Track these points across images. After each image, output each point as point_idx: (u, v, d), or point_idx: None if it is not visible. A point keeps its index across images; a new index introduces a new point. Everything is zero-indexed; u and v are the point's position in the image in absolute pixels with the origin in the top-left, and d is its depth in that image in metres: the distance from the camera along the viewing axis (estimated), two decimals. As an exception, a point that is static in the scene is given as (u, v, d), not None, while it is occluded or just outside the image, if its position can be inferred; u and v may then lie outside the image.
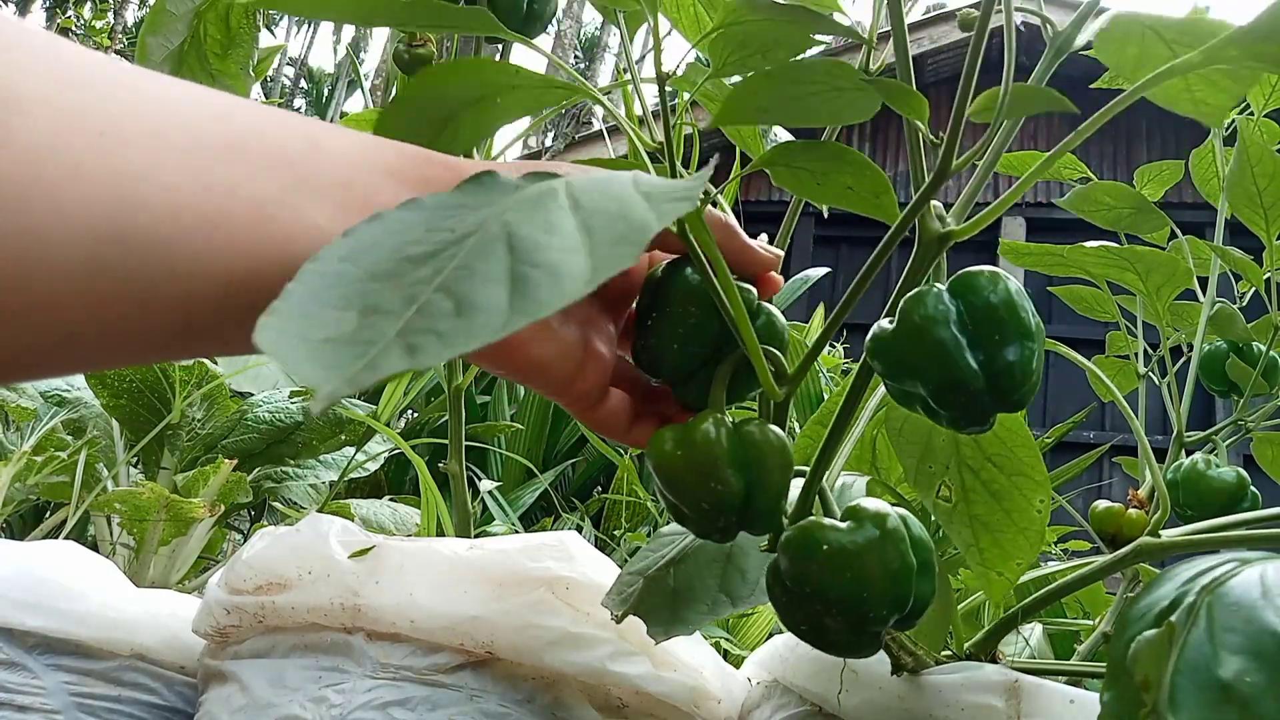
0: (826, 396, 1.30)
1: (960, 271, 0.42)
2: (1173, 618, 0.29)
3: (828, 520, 0.43)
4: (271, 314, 0.20)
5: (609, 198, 0.26)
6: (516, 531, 1.24)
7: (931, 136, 0.44)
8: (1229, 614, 0.27)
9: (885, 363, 0.42)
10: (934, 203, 0.45)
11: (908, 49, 0.48)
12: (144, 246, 0.29)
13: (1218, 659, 0.26)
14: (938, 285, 0.42)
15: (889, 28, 0.51)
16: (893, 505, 0.44)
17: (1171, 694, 0.26)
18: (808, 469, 0.46)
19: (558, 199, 0.26)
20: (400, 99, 0.45)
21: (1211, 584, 0.28)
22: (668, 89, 0.58)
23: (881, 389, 0.62)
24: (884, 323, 0.43)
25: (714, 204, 0.48)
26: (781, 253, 0.47)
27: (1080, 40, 0.52)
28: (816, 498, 0.46)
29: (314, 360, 0.18)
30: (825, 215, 0.77)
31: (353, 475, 1.31)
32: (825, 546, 0.41)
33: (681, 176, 0.53)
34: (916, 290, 0.42)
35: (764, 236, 0.49)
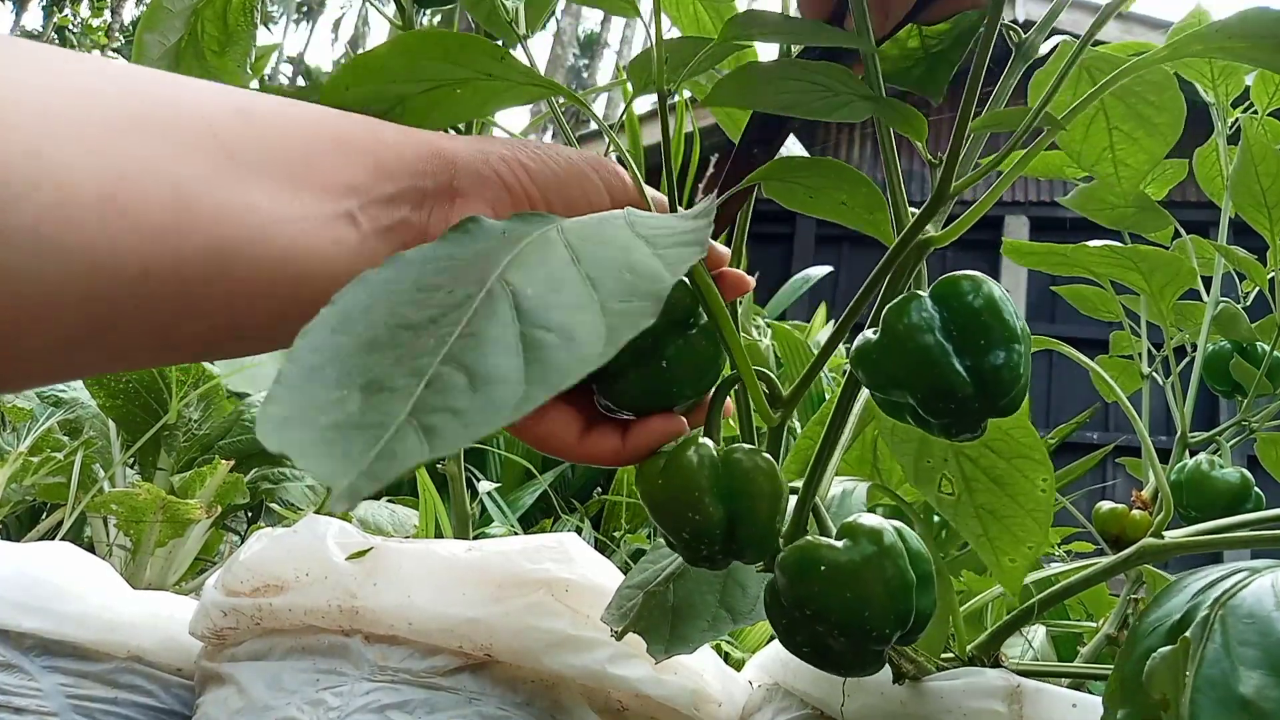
0: (827, 396, 1.29)
1: (941, 277, 0.41)
2: (1187, 633, 0.29)
3: (824, 540, 0.42)
4: (270, 402, 0.18)
5: (609, 245, 0.24)
6: (515, 533, 1.23)
7: (931, 157, 0.43)
8: (1244, 627, 0.26)
9: (871, 374, 0.41)
10: (911, 210, 0.44)
11: (878, 70, 0.47)
12: (29, 236, 0.25)
13: (1236, 675, 0.25)
14: (920, 293, 0.41)
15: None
16: (893, 511, 0.44)
17: (1192, 712, 0.26)
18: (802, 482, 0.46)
19: (557, 250, 0.24)
20: (340, 78, 0.42)
21: (1223, 596, 0.28)
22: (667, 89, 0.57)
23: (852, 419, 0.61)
24: (867, 333, 0.42)
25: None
26: (728, 250, 0.45)
27: (1044, 49, 0.51)
28: (811, 514, 0.46)
29: (325, 452, 0.17)
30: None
31: (351, 475, 1.30)
32: (823, 567, 0.41)
33: (680, 179, 0.52)
34: (898, 299, 0.41)
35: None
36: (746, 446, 0.42)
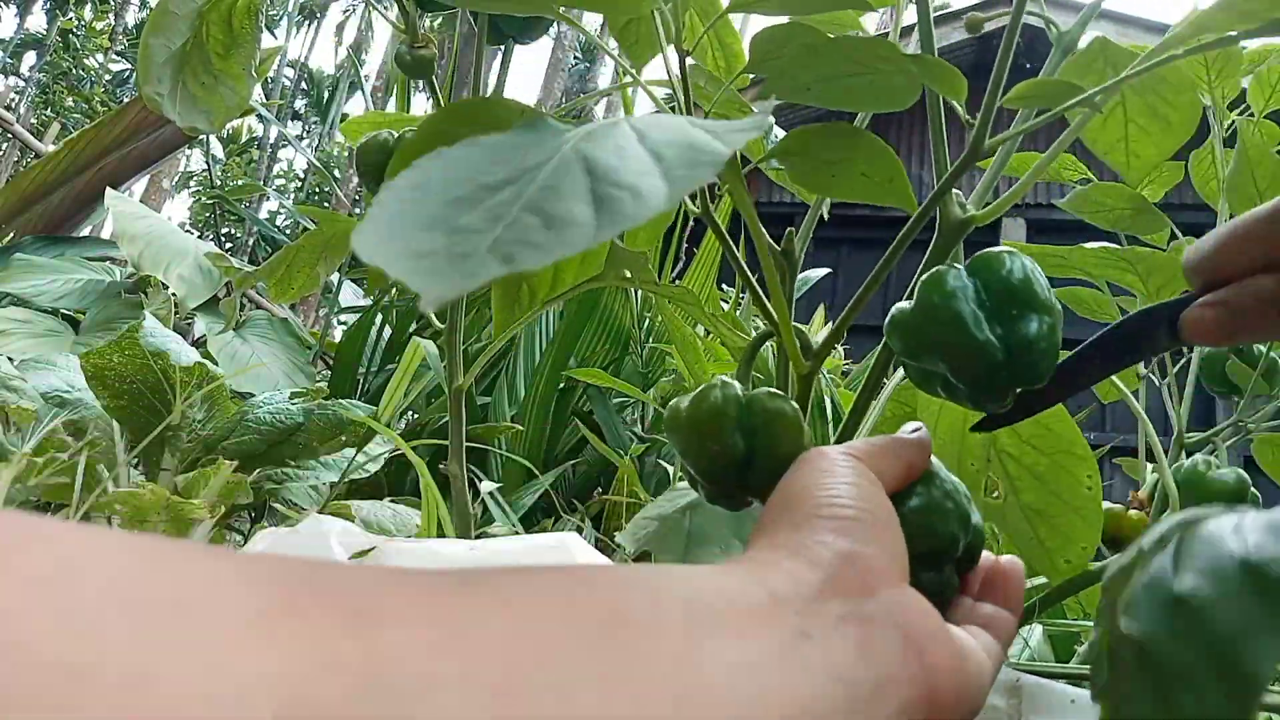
0: (828, 400, 1.30)
1: (976, 253, 0.42)
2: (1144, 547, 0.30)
3: None
4: (364, 230, 0.21)
5: (671, 130, 0.27)
6: (517, 533, 1.24)
7: (968, 117, 0.44)
8: (1197, 543, 0.27)
9: (904, 341, 0.42)
10: (955, 191, 0.45)
11: (932, 34, 0.48)
12: None
13: (1177, 576, 0.26)
14: (954, 265, 0.42)
15: (889, 28, 0.51)
16: None
17: (1130, 604, 0.27)
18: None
19: (623, 130, 0.27)
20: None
21: (1191, 521, 0.29)
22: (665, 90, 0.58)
23: (887, 391, 0.62)
24: (902, 304, 0.43)
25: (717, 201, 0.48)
26: None
27: (1082, 43, 0.52)
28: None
29: (418, 271, 0.20)
30: (825, 218, 0.77)
31: (353, 476, 1.31)
32: None
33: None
34: (934, 270, 0.42)
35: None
36: (771, 390, 0.43)
